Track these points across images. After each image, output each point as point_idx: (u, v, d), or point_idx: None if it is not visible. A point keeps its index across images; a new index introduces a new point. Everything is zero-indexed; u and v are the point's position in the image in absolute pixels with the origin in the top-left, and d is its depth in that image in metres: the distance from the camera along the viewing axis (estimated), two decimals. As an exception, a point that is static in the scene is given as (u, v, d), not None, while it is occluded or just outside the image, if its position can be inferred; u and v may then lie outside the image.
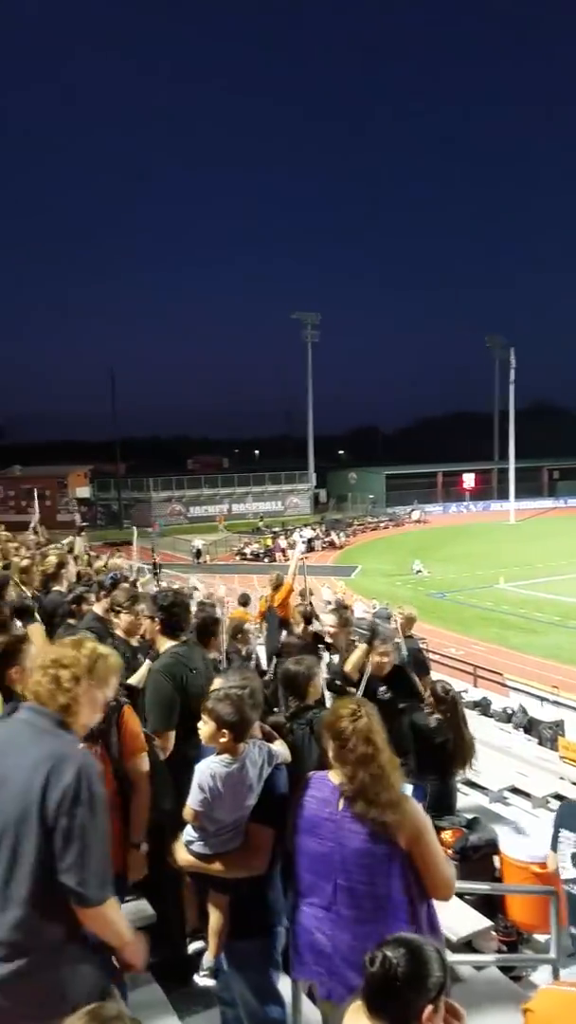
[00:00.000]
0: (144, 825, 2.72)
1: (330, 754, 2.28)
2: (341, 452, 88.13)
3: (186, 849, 2.44)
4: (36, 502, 26.23)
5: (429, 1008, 1.44)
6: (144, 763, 2.74)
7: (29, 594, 5.58)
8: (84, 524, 35.91)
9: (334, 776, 2.29)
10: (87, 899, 1.75)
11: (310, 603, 7.67)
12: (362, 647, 4.61)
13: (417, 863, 2.15)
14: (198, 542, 36.67)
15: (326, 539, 39.94)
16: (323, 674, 3.74)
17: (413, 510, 49.73)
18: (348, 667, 4.61)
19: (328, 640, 5.77)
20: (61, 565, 6.85)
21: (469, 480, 56.53)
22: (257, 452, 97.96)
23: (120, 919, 1.87)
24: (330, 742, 2.27)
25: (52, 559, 7.30)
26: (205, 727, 2.37)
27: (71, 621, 5.04)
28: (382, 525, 47.42)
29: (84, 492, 50.14)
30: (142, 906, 3.45)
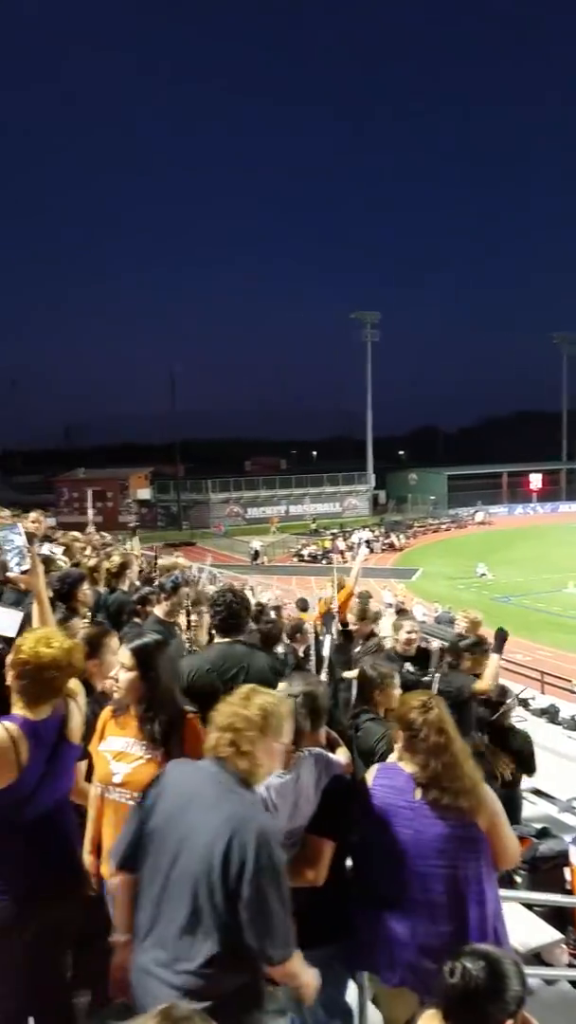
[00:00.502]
0: None
1: (400, 744, 2.33)
2: (401, 452, 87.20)
3: None
4: (90, 504, 26.94)
5: (509, 1023, 1.46)
6: None
7: (101, 592, 5.77)
8: (135, 524, 36.74)
9: (405, 765, 2.33)
10: (271, 959, 1.84)
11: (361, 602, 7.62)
12: (494, 657, 4.55)
13: (491, 841, 2.23)
14: (256, 543, 36.96)
15: (385, 541, 39.59)
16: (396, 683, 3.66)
17: (476, 511, 48.70)
18: (485, 684, 4.50)
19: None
20: (125, 565, 7.05)
21: (536, 481, 54.94)
22: (315, 453, 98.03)
23: (301, 966, 1.93)
24: (401, 733, 2.32)
25: (116, 558, 7.52)
26: None
27: (136, 620, 5.20)
28: (443, 527, 46.63)
29: (144, 494, 51.30)
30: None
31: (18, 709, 2.24)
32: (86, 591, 4.72)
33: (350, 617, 5.93)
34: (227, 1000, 1.81)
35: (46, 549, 6.86)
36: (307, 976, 1.95)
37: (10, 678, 2.26)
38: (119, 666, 2.53)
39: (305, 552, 37.06)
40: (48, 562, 5.03)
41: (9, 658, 2.28)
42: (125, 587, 6.63)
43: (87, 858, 2.62)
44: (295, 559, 36.65)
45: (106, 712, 2.62)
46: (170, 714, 2.48)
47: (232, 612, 3.36)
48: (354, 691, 3.77)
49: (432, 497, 52.57)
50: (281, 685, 2.59)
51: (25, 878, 2.18)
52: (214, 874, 1.79)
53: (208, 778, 1.95)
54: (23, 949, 2.17)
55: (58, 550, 6.54)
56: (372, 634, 5.90)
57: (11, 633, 2.89)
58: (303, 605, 10.66)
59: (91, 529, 12.16)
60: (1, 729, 2.15)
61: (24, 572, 2.79)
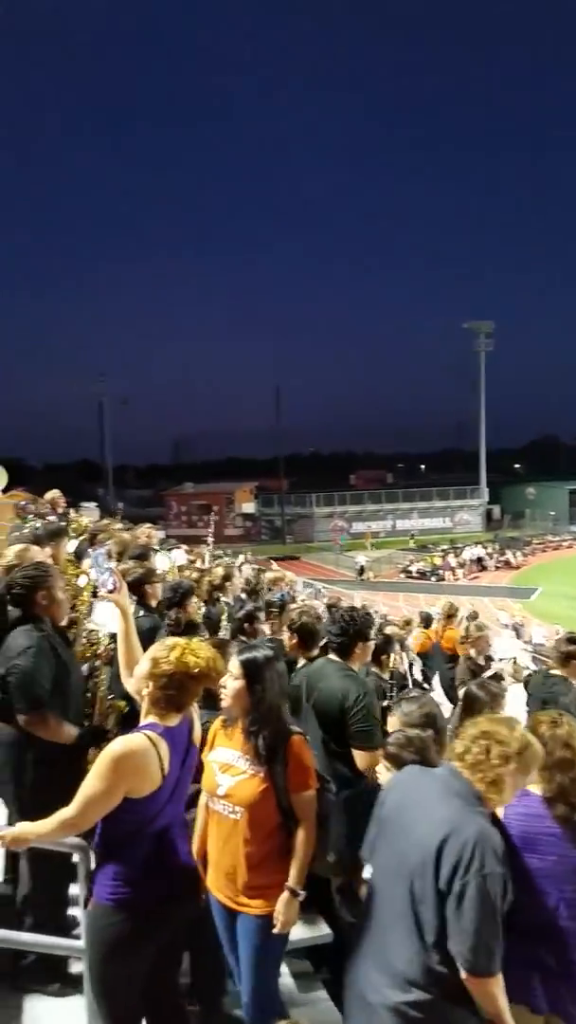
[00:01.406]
0: (303, 871, 2.51)
1: None
2: (517, 466, 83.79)
3: None
4: (213, 517, 27.81)
5: None
6: (309, 802, 2.54)
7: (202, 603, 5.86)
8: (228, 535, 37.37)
9: (535, 788, 2.35)
10: (470, 967, 1.88)
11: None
12: None
13: None
14: (361, 559, 36.67)
15: (500, 558, 38.06)
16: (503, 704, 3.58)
17: (602, 528, 45.92)
18: None
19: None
20: (227, 578, 7.16)
21: None
22: (423, 466, 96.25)
23: (501, 997, 1.93)
24: None
25: (219, 571, 7.65)
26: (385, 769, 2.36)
27: (242, 638, 5.19)
28: (565, 544, 44.26)
29: (249, 508, 52.37)
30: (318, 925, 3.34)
31: (153, 717, 2.27)
32: (195, 602, 4.77)
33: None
34: (441, 992, 1.91)
35: (173, 555, 7.07)
36: (504, 1005, 1.94)
37: (148, 688, 2.28)
38: (228, 674, 2.59)
39: (413, 568, 36.31)
40: (149, 574, 5.12)
41: (145, 669, 2.31)
42: (230, 599, 6.71)
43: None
44: (402, 575, 36.00)
45: (217, 722, 2.69)
46: (275, 732, 2.50)
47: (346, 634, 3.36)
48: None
49: (552, 512, 50.13)
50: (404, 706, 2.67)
51: (155, 883, 2.20)
52: (428, 869, 1.91)
53: (439, 781, 2.09)
54: (151, 952, 2.22)
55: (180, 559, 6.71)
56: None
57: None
58: (427, 621, 10.30)
59: (211, 540, 12.50)
60: (145, 738, 2.17)
61: (111, 591, 2.85)
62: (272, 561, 28.95)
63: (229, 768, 2.55)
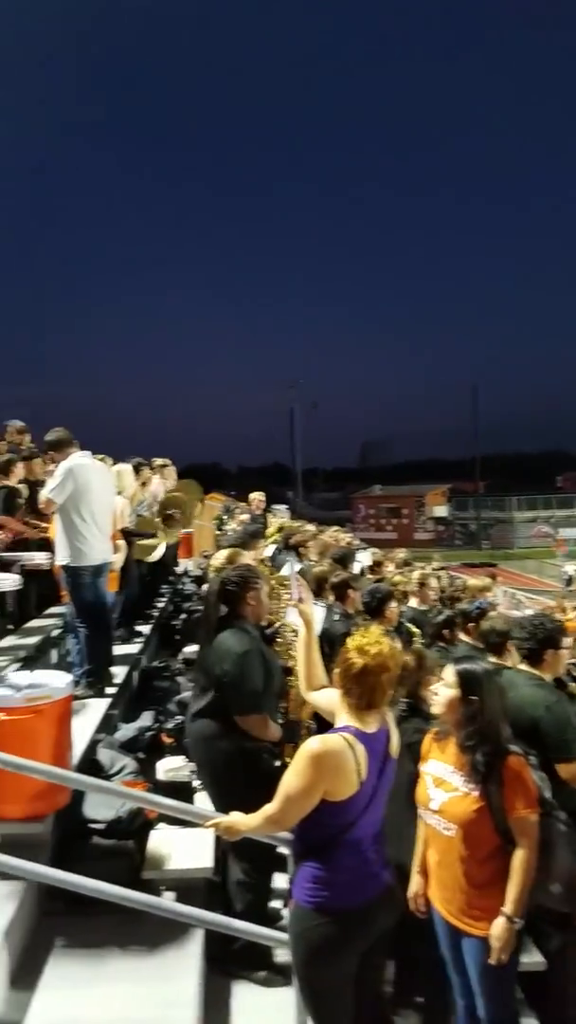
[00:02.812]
0: (520, 898, 2.42)
1: None
2: None
3: None
4: (427, 517, 27.49)
5: None
6: (530, 826, 2.45)
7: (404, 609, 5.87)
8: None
9: None
10: None
11: None
12: None
13: None
14: (570, 568, 34.17)
15: None
16: None
17: None
18: None
19: None
20: (422, 583, 7.09)
21: None
22: None
23: None
24: None
25: (415, 575, 7.60)
26: None
27: (441, 644, 5.13)
28: None
29: (441, 511, 51.24)
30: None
31: (349, 719, 2.31)
32: (393, 608, 4.81)
33: None
34: None
35: (361, 558, 7.21)
36: None
37: (342, 684, 2.34)
38: (441, 682, 2.59)
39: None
40: (353, 578, 5.24)
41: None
42: (426, 607, 6.64)
43: (415, 878, 2.73)
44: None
45: (431, 734, 2.72)
46: (492, 749, 2.46)
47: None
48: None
49: None
50: None
51: (353, 891, 2.26)
52: None
53: None
54: (353, 959, 2.27)
55: (366, 561, 6.82)
56: None
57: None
58: None
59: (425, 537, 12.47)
60: (342, 739, 2.23)
61: (300, 601, 2.95)
62: (469, 567, 28.05)
63: (442, 783, 2.56)
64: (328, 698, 2.51)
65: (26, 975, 2.79)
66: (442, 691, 2.57)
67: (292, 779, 2.22)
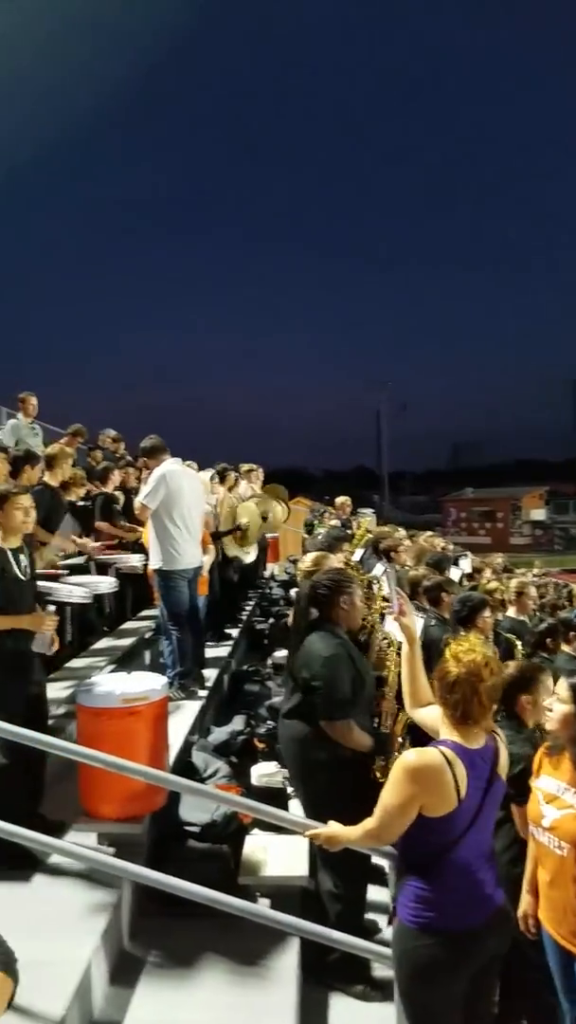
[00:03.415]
0: None
1: None
2: None
3: None
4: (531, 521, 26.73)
5: None
6: None
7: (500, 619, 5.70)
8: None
9: None
10: None
11: None
12: None
13: None
14: None
15: None
16: None
17: None
18: None
19: None
20: (520, 592, 6.87)
21: None
22: None
23: None
24: None
25: (512, 583, 7.38)
26: None
27: (543, 654, 4.97)
28: None
29: (539, 514, 49.47)
30: None
31: (451, 733, 2.27)
32: (487, 617, 4.66)
33: None
34: None
35: (461, 564, 7.05)
36: None
37: (439, 695, 2.30)
38: (554, 697, 2.55)
39: None
40: (448, 582, 5.12)
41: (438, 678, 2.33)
42: (525, 616, 6.42)
43: (525, 898, 2.68)
44: None
45: (542, 749, 2.67)
46: None
47: None
48: None
49: None
50: None
51: (459, 912, 2.21)
52: None
53: None
54: (459, 981, 2.23)
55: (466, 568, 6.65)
56: None
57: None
58: None
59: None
60: (439, 754, 2.18)
61: (401, 613, 2.88)
62: (569, 573, 26.93)
63: (554, 800, 2.50)
64: (433, 715, 2.46)
65: (124, 975, 2.87)
66: (556, 706, 2.51)
67: (388, 792, 2.20)
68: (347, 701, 3.13)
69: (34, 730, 2.92)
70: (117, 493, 7.38)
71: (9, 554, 3.44)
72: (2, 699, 3.33)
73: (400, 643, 3.49)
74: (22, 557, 3.51)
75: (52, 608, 3.69)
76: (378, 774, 3.34)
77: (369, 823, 2.28)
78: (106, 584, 5.95)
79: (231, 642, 7.31)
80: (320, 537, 5.89)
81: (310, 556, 4.38)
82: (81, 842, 3.07)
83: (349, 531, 8.29)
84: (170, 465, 5.35)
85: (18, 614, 3.40)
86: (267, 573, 11.82)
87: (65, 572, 5.54)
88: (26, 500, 3.53)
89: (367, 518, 11.77)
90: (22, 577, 3.48)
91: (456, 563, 7.10)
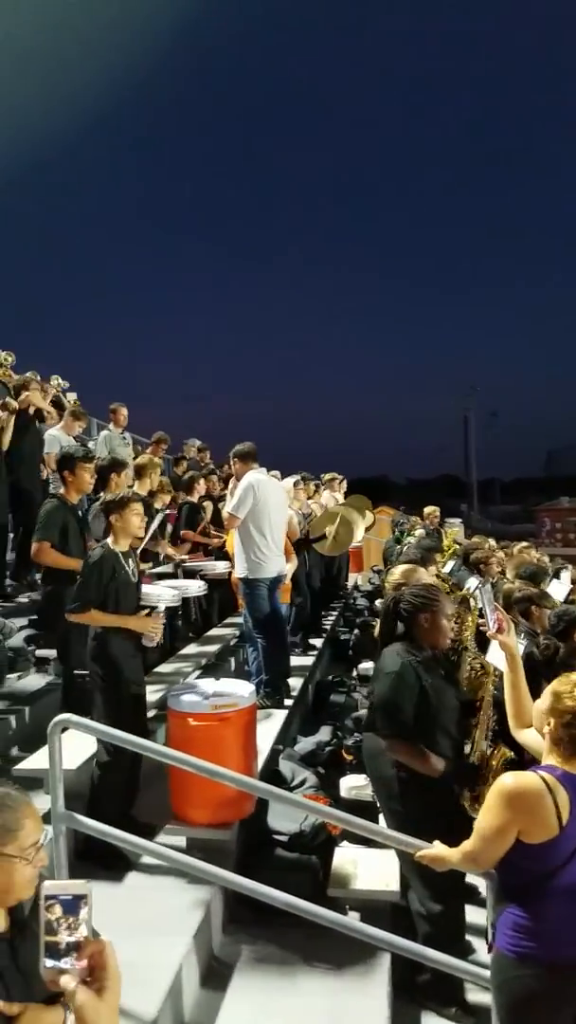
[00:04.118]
0: None
1: None
2: None
3: None
4: None
5: None
6: None
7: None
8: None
9: None
10: None
11: None
12: None
13: None
14: None
15: None
16: None
17: None
18: None
19: None
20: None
21: None
22: None
23: None
24: None
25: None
26: None
27: None
28: None
29: None
30: None
31: (555, 759, 2.21)
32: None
33: None
34: None
35: (563, 577, 6.83)
36: None
37: (549, 726, 2.23)
38: None
39: None
40: (540, 595, 4.97)
41: (546, 704, 2.26)
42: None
43: None
44: None
45: None
46: None
47: None
48: None
49: None
50: None
51: (563, 944, 2.14)
52: None
53: None
54: (564, 1016, 2.17)
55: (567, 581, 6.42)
56: None
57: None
58: None
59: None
60: (539, 779, 2.14)
61: (499, 631, 2.80)
62: None
63: None
64: (538, 738, 2.40)
65: (214, 979, 2.94)
66: None
67: (484, 816, 2.17)
68: (404, 720, 3.04)
69: (134, 733, 3.02)
70: (206, 504, 7.59)
71: (121, 557, 3.64)
72: (106, 699, 3.50)
73: (496, 668, 3.40)
74: (131, 560, 3.74)
75: (161, 609, 3.88)
76: (466, 804, 3.28)
77: (468, 845, 2.26)
78: (195, 587, 6.09)
79: (315, 652, 7.34)
80: (409, 548, 5.82)
81: (399, 569, 4.33)
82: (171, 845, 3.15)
83: (439, 542, 8.18)
84: (256, 475, 5.46)
85: (125, 615, 3.59)
86: (350, 583, 11.80)
87: (153, 578, 5.72)
88: (140, 507, 3.77)
89: (455, 529, 11.57)
90: (132, 579, 3.68)
91: (557, 576, 6.86)
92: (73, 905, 1.09)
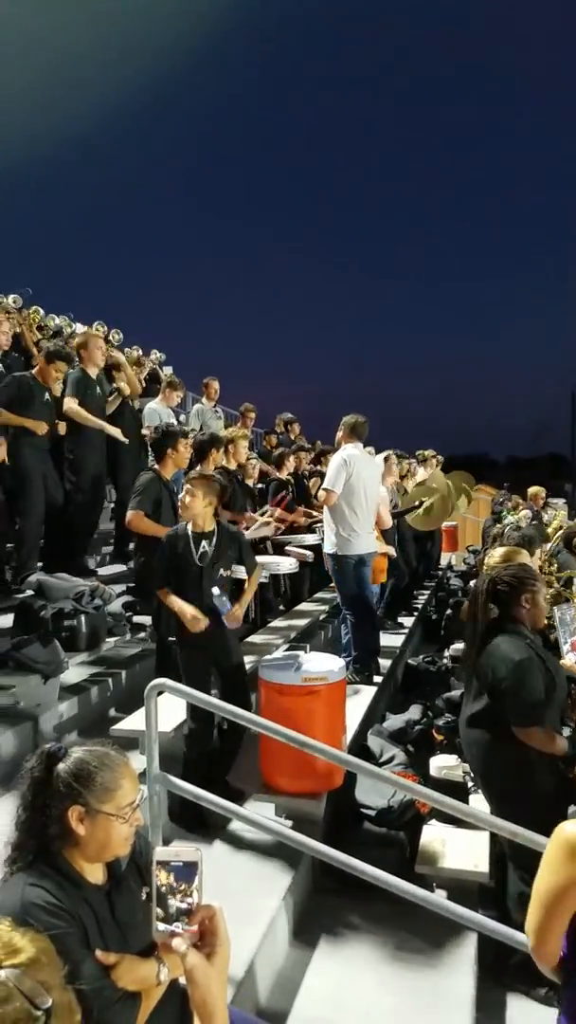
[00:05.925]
0: None
1: None
2: None
3: None
4: None
5: None
6: None
7: None
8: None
9: None
10: None
11: None
12: None
13: None
14: None
15: None
16: None
17: None
18: None
19: None
20: None
21: None
22: None
23: None
24: None
25: None
26: None
27: None
28: None
29: None
30: None
31: None
32: None
33: None
34: None
35: None
36: None
37: None
38: None
39: None
40: None
41: None
42: None
43: None
44: None
45: None
46: None
47: None
48: None
49: None
50: None
51: None
52: None
53: None
54: None
55: None
56: None
57: None
58: None
59: None
60: None
61: None
62: None
63: None
64: None
65: (300, 946, 3.05)
66: None
67: (542, 875, 1.73)
68: (540, 705, 3.05)
69: (233, 702, 3.12)
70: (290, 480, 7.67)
71: (191, 539, 3.73)
72: (188, 668, 3.67)
73: None
74: (204, 543, 3.74)
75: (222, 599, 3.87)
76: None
77: (530, 920, 1.78)
78: (287, 564, 6.21)
79: (405, 631, 7.34)
80: (512, 530, 5.67)
81: (499, 551, 4.22)
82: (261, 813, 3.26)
83: (544, 524, 7.98)
84: (351, 450, 5.47)
85: (186, 598, 3.70)
86: (444, 562, 11.65)
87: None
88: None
89: (562, 511, 11.17)
90: (197, 563, 3.72)
91: None
92: (185, 871, 1.14)
